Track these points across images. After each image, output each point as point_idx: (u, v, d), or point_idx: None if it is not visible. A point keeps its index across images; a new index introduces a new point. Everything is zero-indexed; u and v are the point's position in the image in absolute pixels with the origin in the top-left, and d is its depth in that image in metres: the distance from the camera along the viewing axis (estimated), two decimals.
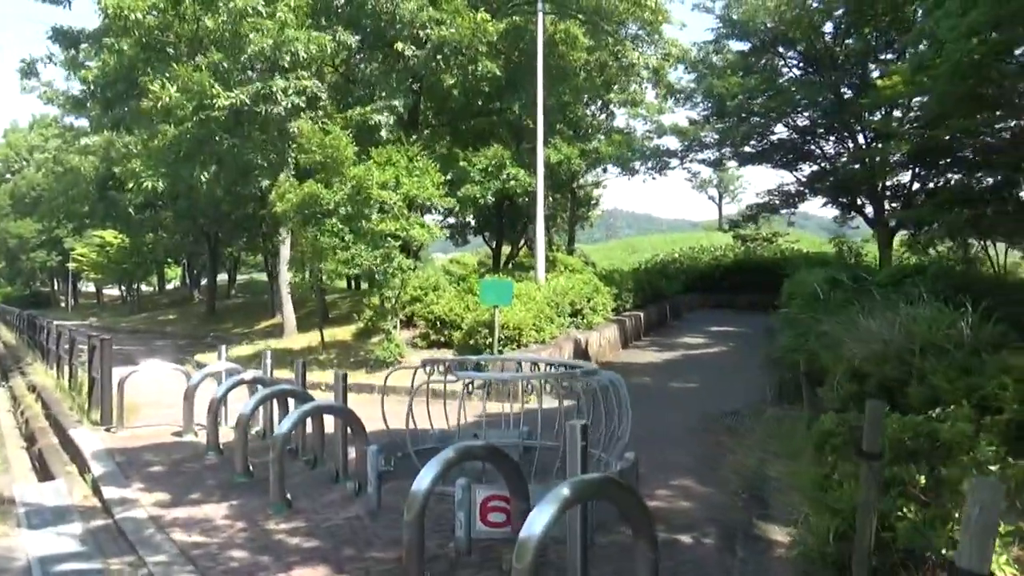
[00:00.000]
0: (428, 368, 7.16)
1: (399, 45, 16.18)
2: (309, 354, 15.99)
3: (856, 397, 6.91)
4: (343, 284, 39.02)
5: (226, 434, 8.87)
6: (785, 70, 26.36)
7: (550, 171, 20.23)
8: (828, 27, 24.78)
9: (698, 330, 23.21)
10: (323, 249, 13.43)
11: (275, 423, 8.81)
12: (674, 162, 28.34)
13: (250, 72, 17.35)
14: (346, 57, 19.08)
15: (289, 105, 15.82)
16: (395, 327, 14.22)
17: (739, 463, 7.92)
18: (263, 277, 43.12)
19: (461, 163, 18.13)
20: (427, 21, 16.39)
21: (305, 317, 22.08)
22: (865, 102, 20.56)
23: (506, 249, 30.97)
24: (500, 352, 13.07)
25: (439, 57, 17.16)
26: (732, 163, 30.38)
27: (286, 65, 15.92)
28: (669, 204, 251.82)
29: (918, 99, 22.01)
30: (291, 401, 8.36)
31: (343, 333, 17.78)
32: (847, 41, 24.66)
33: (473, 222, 24.82)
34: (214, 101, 15.81)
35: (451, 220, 22.67)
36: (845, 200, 27.15)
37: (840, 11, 23.24)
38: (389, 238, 13.38)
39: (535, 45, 19.95)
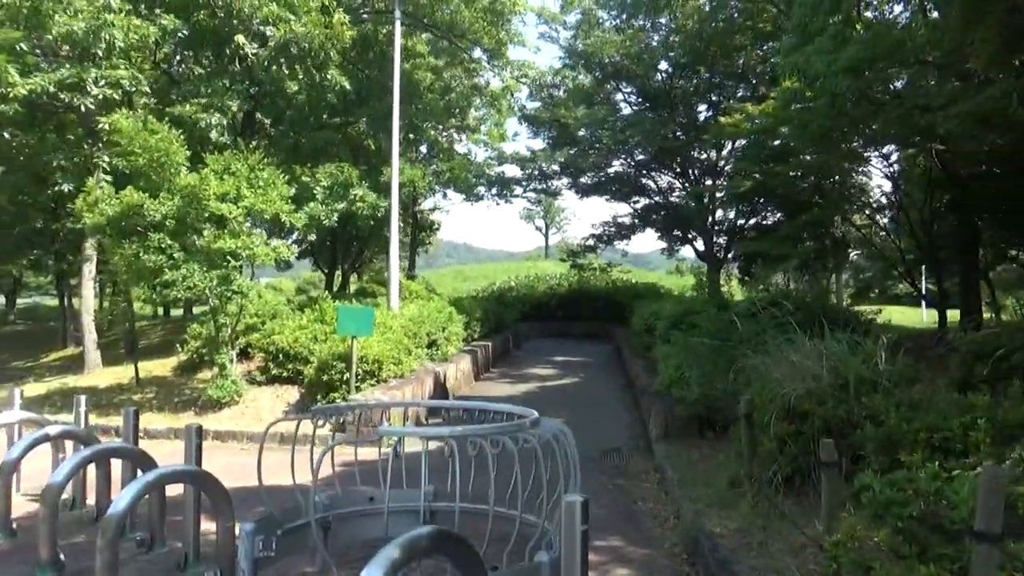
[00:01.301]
0: (318, 419, 5.71)
1: (239, 39, 14.34)
2: (120, 393, 13.54)
3: (794, 438, 6.39)
4: (148, 311, 35.10)
5: (19, 506, 6.81)
6: (623, 105, 27.10)
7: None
8: (665, 66, 25.79)
9: (543, 360, 22.77)
10: (146, 269, 11.32)
11: (89, 490, 6.91)
12: (518, 190, 28.11)
13: (43, 64, 14.72)
14: (171, 51, 16.85)
15: (101, 97, 13.46)
16: (231, 360, 12.30)
17: (657, 513, 7.17)
18: (52, 301, 37.74)
19: (304, 179, 16.49)
20: (269, 16, 14.73)
21: (106, 348, 19.03)
22: (707, 137, 21.29)
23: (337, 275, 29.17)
24: (358, 388, 11.62)
25: (283, 59, 15.51)
26: (570, 193, 30.68)
27: (100, 53, 13.58)
28: (486, 235, 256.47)
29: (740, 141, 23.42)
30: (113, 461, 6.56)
31: (160, 367, 15.34)
32: (680, 81, 25.75)
33: (309, 243, 22.88)
34: (8, 90, 13.12)
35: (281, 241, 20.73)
36: (678, 233, 28.23)
37: (674, 52, 24.18)
38: (229, 257, 11.53)
39: (384, 58, 18.85)
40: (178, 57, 17.57)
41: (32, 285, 46.72)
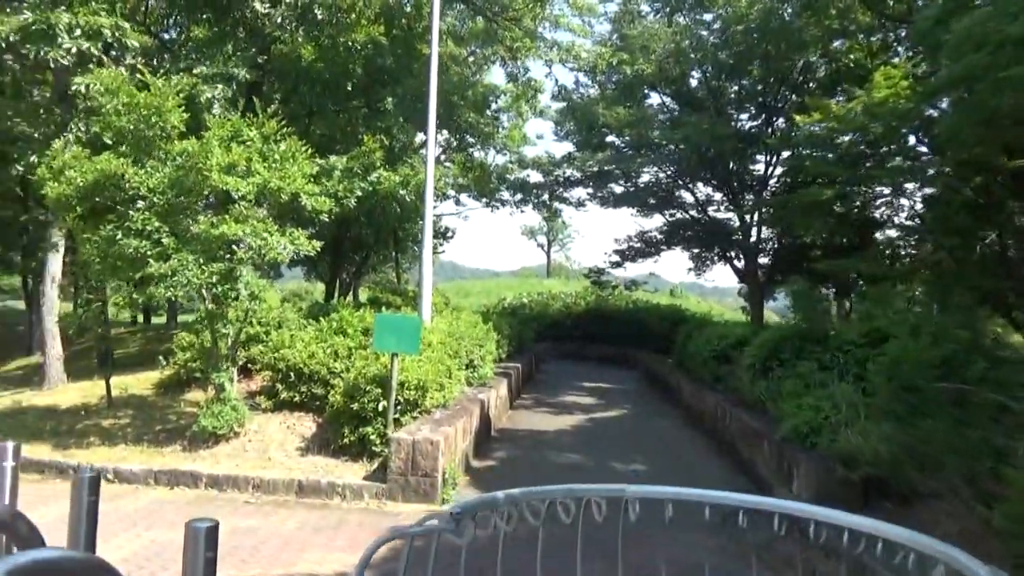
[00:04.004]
0: (458, 523, 2.88)
1: None
2: (86, 416, 10.77)
3: None
4: (125, 315, 32.17)
5: None
6: (660, 109, 24.72)
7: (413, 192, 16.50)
8: (706, 68, 23.51)
9: (573, 386, 20.27)
10: (124, 258, 8.66)
11: None
12: (544, 196, 25.64)
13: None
14: (161, 11, 14.30)
15: (75, 51, 10.82)
16: (231, 380, 9.59)
17: None
18: (20, 305, 34.56)
19: (318, 160, 13.93)
20: None
21: (75, 358, 16.18)
22: (772, 141, 18.96)
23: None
24: (398, 422, 8.95)
25: (301, 23, 13.00)
26: (593, 204, 28.22)
27: None
28: (470, 253, 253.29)
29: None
30: None
31: (137, 383, 12.59)
32: (725, 84, 23.44)
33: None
34: None
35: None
36: (718, 251, 25.82)
37: (724, 51, 21.89)
38: (233, 246, 8.90)
39: (411, 35, 16.35)
40: (170, 20, 14.97)
41: (5, 288, 43.29)
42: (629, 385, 21.74)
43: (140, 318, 32.16)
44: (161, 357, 12.05)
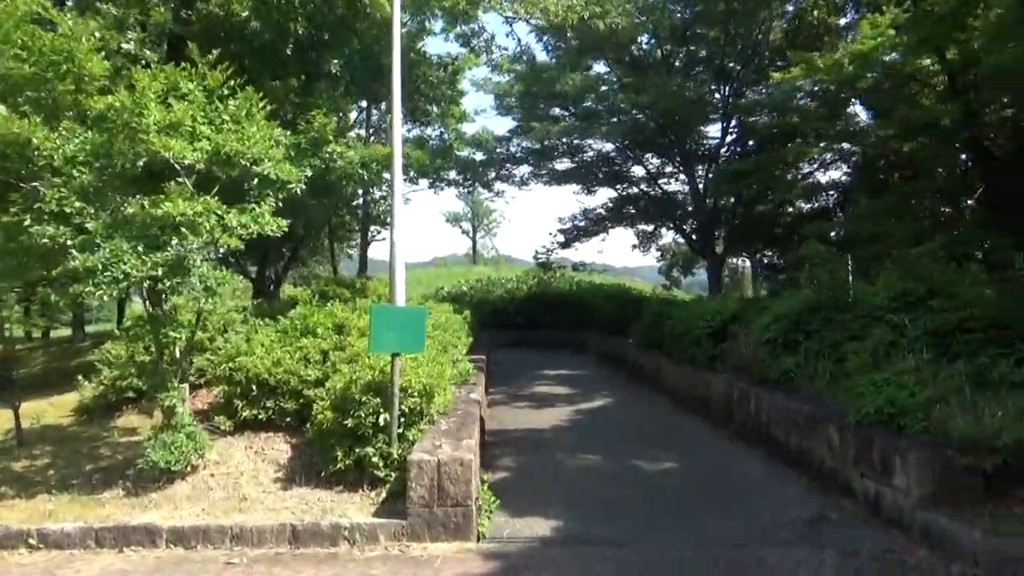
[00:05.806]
0: None
1: None
2: None
3: None
4: (19, 329, 28.55)
5: None
6: (606, 75, 23.43)
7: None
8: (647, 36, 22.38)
9: (534, 375, 18.93)
10: (35, 249, 6.59)
11: None
12: (491, 175, 24.02)
13: None
14: None
15: None
16: (183, 399, 7.60)
17: None
18: None
19: None
20: None
21: None
22: (743, 103, 18.02)
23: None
24: (402, 437, 7.24)
25: None
26: (537, 183, 26.83)
27: None
28: (375, 245, 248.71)
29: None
30: None
31: (51, 410, 10.31)
32: (685, 48, 22.38)
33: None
34: None
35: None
36: (670, 224, 24.91)
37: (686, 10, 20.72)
38: (183, 230, 6.93)
39: None
40: None
41: None
42: (592, 370, 20.51)
43: (36, 332, 28.57)
44: (80, 376, 9.87)
